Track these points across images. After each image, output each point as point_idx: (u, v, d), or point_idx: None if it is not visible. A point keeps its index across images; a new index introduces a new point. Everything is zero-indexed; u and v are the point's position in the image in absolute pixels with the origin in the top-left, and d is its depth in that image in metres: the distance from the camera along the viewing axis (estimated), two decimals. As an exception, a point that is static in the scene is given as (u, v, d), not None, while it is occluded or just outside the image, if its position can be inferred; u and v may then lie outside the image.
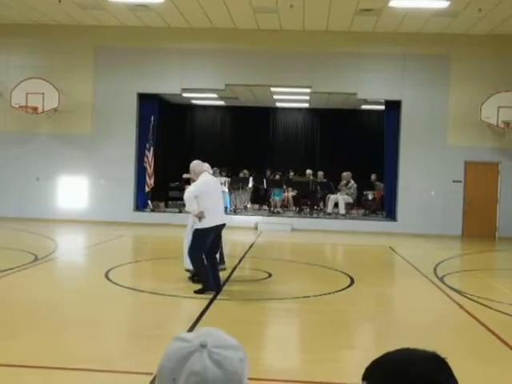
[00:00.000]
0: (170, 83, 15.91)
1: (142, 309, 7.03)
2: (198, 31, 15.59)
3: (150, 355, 4.84)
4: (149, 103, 16.36)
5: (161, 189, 17.18)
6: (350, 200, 17.26)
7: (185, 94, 17.72)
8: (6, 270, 8.36)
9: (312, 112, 22.07)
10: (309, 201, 17.85)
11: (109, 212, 15.80)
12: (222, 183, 16.81)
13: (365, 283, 8.66)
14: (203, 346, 1.06)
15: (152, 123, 16.27)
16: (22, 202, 15.83)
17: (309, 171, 18.47)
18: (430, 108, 15.58)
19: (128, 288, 7.78)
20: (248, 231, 15.28)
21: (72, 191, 16.05)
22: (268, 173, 19.06)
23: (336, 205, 17.15)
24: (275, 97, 19.42)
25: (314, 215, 17.29)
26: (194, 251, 7.34)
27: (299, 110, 22.15)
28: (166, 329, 5.93)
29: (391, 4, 12.62)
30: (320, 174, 18.36)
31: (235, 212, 17.06)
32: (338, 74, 15.76)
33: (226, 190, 17.01)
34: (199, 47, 15.73)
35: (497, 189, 15.65)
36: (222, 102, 21.18)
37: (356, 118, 21.50)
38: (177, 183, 17.80)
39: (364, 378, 1.17)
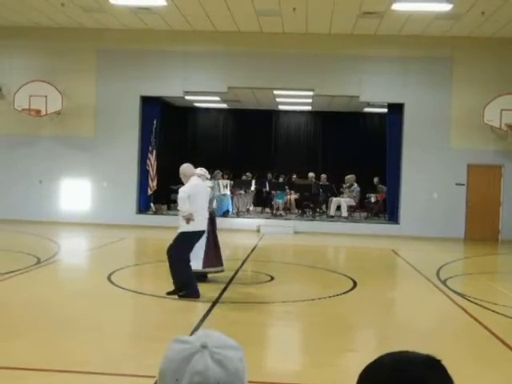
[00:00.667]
0: (172, 86, 15.93)
1: (145, 311, 7.03)
2: (200, 34, 15.61)
3: (152, 358, 4.83)
4: (151, 106, 16.39)
5: (163, 191, 17.18)
6: (353, 203, 17.25)
7: (187, 97, 17.73)
8: (9, 273, 8.37)
9: (314, 115, 22.06)
10: (311, 203, 17.84)
11: (111, 214, 15.81)
12: (224, 186, 16.88)
13: (367, 286, 8.65)
14: (204, 346, 1.08)
15: (154, 126, 16.29)
16: (25, 205, 15.85)
17: (311, 174, 18.46)
18: (433, 111, 15.57)
19: (130, 291, 7.78)
20: (250, 234, 15.28)
21: (75, 194, 16.06)
22: (270, 175, 19.06)
23: (338, 207, 17.14)
24: (278, 99, 19.42)
25: (317, 218, 17.28)
26: (179, 254, 7.20)
27: (302, 112, 22.14)
28: (169, 331, 5.93)
29: (394, 7, 12.62)
30: (322, 176, 18.35)
31: (238, 215, 17.06)
32: (341, 77, 15.76)
33: (228, 192, 17.02)
34: (202, 50, 15.75)
35: (499, 192, 15.62)
36: (224, 105, 21.19)
37: (358, 120, 21.48)
38: (179, 186, 17.76)
39: None
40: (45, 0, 13.33)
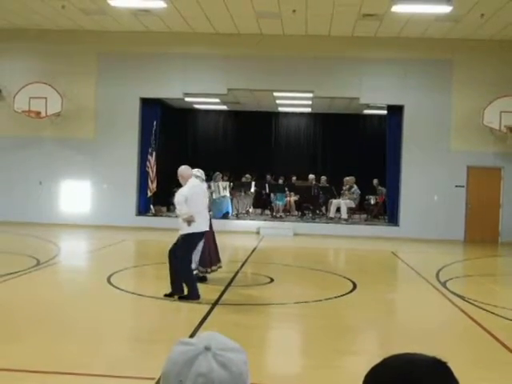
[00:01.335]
0: (172, 88, 15.94)
1: (144, 313, 7.03)
2: (200, 36, 15.63)
3: (152, 360, 4.83)
4: (151, 108, 16.40)
5: (163, 193, 17.17)
6: (353, 205, 17.25)
7: (187, 99, 17.73)
8: (8, 274, 8.36)
9: (314, 117, 22.06)
10: (311, 205, 17.84)
11: (111, 216, 15.81)
12: (223, 188, 16.88)
13: (367, 288, 8.64)
14: (208, 348, 1.08)
15: (154, 128, 16.29)
16: (25, 207, 15.85)
17: (311, 176, 18.47)
18: (433, 113, 15.58)
19: (130, 292, 7.78)
20: (250, 236, 15.27)
21: (74, 195, 16.06)
22: (270, 177, 19.06)
23: (338, 209, 17.14)
24: (277, 101, 19.43)
25: (317, 220, 17.28)
26: (183, 256, 7.23)
27: (301, 114, 22.14)
28: (168, 334, 5.93)
29: (394, 9, 12.63)
30: (322, 178, 18.35)
31: (237, 216, 17.06)
32: (341, 79, 15.77)
33: (228, 194, 17.02)
34: (202, 52, 15.76)
35: (499, 194, 15.63)
36: (224, 107, 21.19)
37: (358, 122, 21.48)
38: (179, 188, 17.76)
39: None
40: (45, 3, 13.35)
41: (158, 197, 16.81)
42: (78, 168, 16.02)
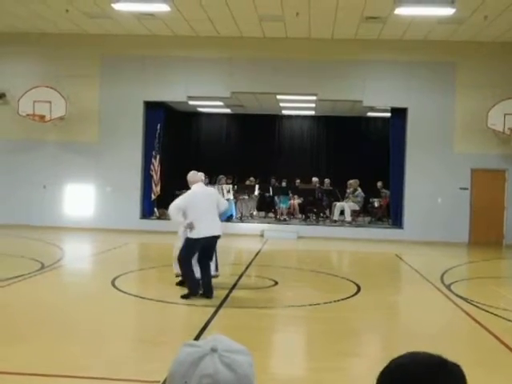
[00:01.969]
0: (176, 91, 15.97)
1: (149, 316, 7.03)
2: (204, 39, 15.66)
3: (155, 363, 4.84)
4: (155, 111, 16.43)
5: (167, 196, 17.16)
6: (356, 207, 17.23)
7: (191, 102, 17.78)
8: (13, 278, 8.38)
9: (318, 119, 22.08)
10: (315, 208, 17.83)
11: (115, 220, 15.83)
12: (227, 191, 16.88)
13: (371, 291, 8.63)
14: (214, 350, 1.08)
15: (158, 131, 16.32)
16: (29, 210, 15.89)
17: (315, 179, 18.47)
18: (436, 115, 15.57)
19: (134, 296, 7.79)
20: (254, 239, 15.27)
21: (78, 199, 16.10)
22: (274, 180, 19.06)
23: (342, 212, 17.12)
24: (281, 104, 19.45)
25: (320, 223, 17.26)
26: (182, 256, 7.55)
27: (305, 117, 22.17)
28: (173, 336, 5.93)
29: (397, 12, 12.62)
30: (326, 181, 18.35)
31: (241, 219, 17.06)
32: (344, 82, 15.77)
33: (231, 197, 17.02)
34: (205, 55, 15.79)
35: (504, 196, 15.59)
36: (227, 110, 21.22)
37: (362, 125, 21.49)
38: (183, 191, 17.78)
39: None
40: (49, 6, 13.40)
41: (161, 200, 16.80)
42: (82, 171, 16.06)
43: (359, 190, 17.37)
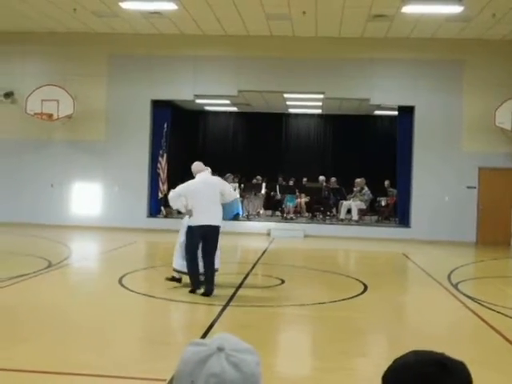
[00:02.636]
0: (183, 90, 15.99)
1: (156, 315, 7.05)
2: (211, 38, 15.67)
3: (163, 361, 4.85)
4: (162, 109, 16.45)
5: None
6: (363, 206, 17.20)
7: (198, 101, 17.80)
8: (20, 276, 8.43)
9: (325, 118, 22.06)
10: (322, 207, 17.81)
11: (122, 218, 15.88)
12: (234, 189, 16.88)
13: (378, 290, 8.62)
14: (221, 349, 1.08)
15: (165, 129, 16.35)
16: (37, 208, 15.96)
17: (322, 177, 18.45)
18: (444, 113, 15.51)
19: (142, 294, 7.81)
20: (261, 237, 15.28)
21: (86, 197, 16.15)
22: (280, 179, 19.05)
23: (349, 211, 17.10)
24: (288, 103, 19.44)
25: (327, 221, 17.25)
26: (187, 247, 7.72)
27: (312, 115, 22.15)
28: (180, 335, 5.95)
29: (404, 10, 12.59)
30: (333, 180, 18.33)
31: (248, 218, 17.07)
32: (351, 80, 15.74)
33: (238, 195, 17.01)
34: (212, 54, 15.81)
35: (511, 195, 15.51)
36: (234, 108, 21.24)
37: (369, 123, 21.45)
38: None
39: None
40: (57, 6, 13.44)
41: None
42: (90, 170, 16.11)
43: (366, 188, 17.33)
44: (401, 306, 8.23)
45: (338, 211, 17.56)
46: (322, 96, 16.49)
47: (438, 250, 13.97)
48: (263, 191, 17.96)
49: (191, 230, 7.60)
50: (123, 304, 7.37)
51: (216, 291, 7.68)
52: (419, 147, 15.66)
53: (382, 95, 15.82)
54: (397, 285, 9.56)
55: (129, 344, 5.71)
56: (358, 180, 17.52)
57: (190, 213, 7.60)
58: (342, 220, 17.03)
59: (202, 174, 7.82)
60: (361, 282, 9.08)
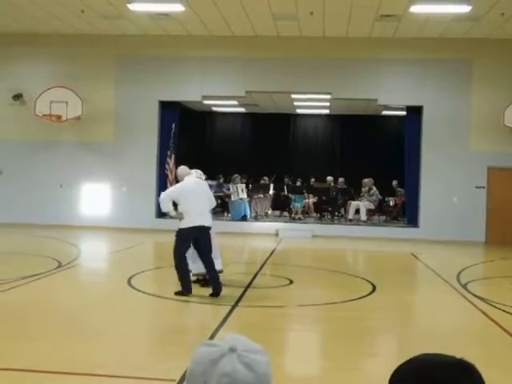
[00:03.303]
0: (190, 91, 16.02)
1: (164, 315, 7.07)
2: (218, 39, 15.70)
3: (172, 362, 4.87)
4: (170, 110, 16.49)
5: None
6: (372, 206, 17.17)
7: (205, 102, 17.83)
8: (31, 276, 8.48)
9: (332, 118, 22.03)
10: (330, 207, 17.79)
11: (130, 219, 15.93)
12: (241, 190, 16.92)
13: (387, 290, 8.61)
14: (233, 349, 1.09)
15: (173, 130, 16.39)
16: (46, 209, 16.05)
17: (329, 178, 18.43)
18: (452, 113, 15.46)
19: (150, 295, 7.83)
20: (269, 238, 15.28)
21: (94, 198, 16.22)
22: (288, 179, 19.04)
23: (357, 211, 17.07)
24: (295, 103, 19.43)
25: (335, 222, 17.23)
26: (175, 249, 7.67)
27: (319, 116, 22.13)
28: (189, 335, 5.97)
29: (412, 9, 12.55)
30: (340, 180, 18.30)
31: (256, 218, 17.08)
32: (359, 80, 15.72)
33: (246, 196, 17.07)
34: (220, 55, 15.83)
35: (521, 194, 15.43)
36: (242, 109, 21.25)
37: (377, 123, 21.40)
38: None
39: None
40: (65, 7, 13.51)
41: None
42: (98, 171, 16.18)
43: (374, 188, 17.30)
44: (410, 306, 8.21)
45: (346, 211, 17.53)
46: (329, 96, 16.48)
47: (446, 249, 13.93)
48: (271, 192, 17.97)
49: (184, 233, 7.59)
50: (132, 304, 7.40)
51: (224, 291, 7.69)
52: (427, 147, 15.61)
53: (390, 95, 15.78)
54: (405, 285, 9.54)
55: (138, 344, 5.73)
56: (365, 180, 17.48)
57: (181, 216, 7.61)
58: (350, 220, 17.01)
59: (192, 177, 7.92)
60: (369, 282, 9.07)
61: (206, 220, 7.70)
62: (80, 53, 16.01)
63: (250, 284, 8.62)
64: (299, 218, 17.31)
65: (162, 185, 16.31)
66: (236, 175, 17.20)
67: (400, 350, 5.82)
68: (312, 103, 19.33)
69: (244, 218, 16.72)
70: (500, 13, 12.84)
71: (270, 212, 18.05)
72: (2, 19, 14.71)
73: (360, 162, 20.16)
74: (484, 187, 15.44)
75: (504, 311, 7.25)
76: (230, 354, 1.09)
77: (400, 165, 16.80)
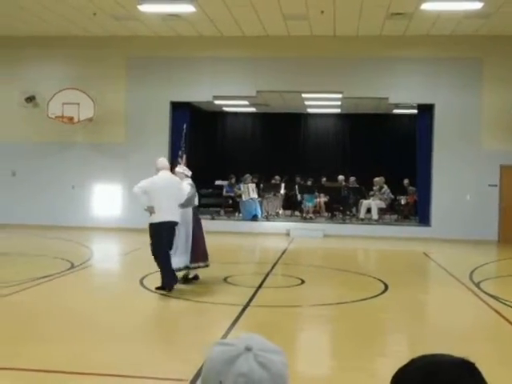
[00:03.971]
0: (201, 91, 16.06)
1: (176, 315, 7.11)
2: (229, 39, 15.72)
3: (185, 362, 4.90)
4: (181, 111, 16.52)
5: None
6: (383, 205, 17.12)
7: (216, 102, 17.86)
8: (44, 277, 8.55)
9: (343, 117, 21.99)
10: (341, 206, 17.76)
11: (142, 220, 15.91)
12: (252, 190, 16.94)
13: (399, 289, 8.58)
14: (249, 349, 1.08)
15: (184, 131, 16.39)
16: (58, 210, 16.15)
17: (341, 177, 18.39)
18: (464, 111, 15.36)
19: (163, 295, 7.87)
20: (280, 237, 15.28)
21: (106, 199, 16.30)
22: (299, 179, 19.03)
23: (369, 210, 17.02)
24: (306, 103, 19.41)
25: (347, 221, 17.20)
26: (152, 244, 7.86)
27: (330, 115, 22.10)
28: (201, 335, 5.99)
29: (423, 7, 12.50)
30: (352, 179, 18.26)
31: (267, 218, 17.10)
32: (370, 79, 15.67)
33: (256, 196, 17.09)
34: (230, 55, 15.85)
35: (534, 192, 15.30)
36: (253, 109, 21.26)
37: (388, 122, 21.34)
38: (209, 190, 17.92)
39: None
40: (77, 10, 13.59)
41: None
42: (110, 172, 16.26)
43: (385, 187, 17.24)
44: (422, 306, 8.19)
45: (357, 210, 17.49)
46: (340, 95, 16.45)
47: (459, 248, 13.86)
48: (282, 191, 17.97)
49: (156, 227, 7.75)
50: (145, 305, 7.44)
51: (236, 291, 7.71)
52: (439, 145, 15.53)
53: (401, 94, 15.72)
54: (418, 284, 9.51)
55: (151, 344, 5.76)
56: (376, 179, 17.43)
57: (151, 209, 7.78)
58: (361, 219, 16.97)
59: (165, 172, 8.13)
60: (381, 281, 9.05)
61: (174, 216, 7.87)
62: (91, 55, 16.10)
63: (261, 284, 8.63)
64: (310, 218, 17.30)
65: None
66: (247, 175, 17.22)
67: (411, 349, 5.81)
68: (323, 102, 19.31)
69: (255, 218, 16.73)
70: (511, 10, 12.74)
71: (281, 212, 18.05)
72: (15, 23, 14.83)
73: (371, 161, 20.10)
74: (496, 185, 15.33)
75: (517, 310, 7.20)
76: (246, 353, 1.08)
77: (411, 163, 16.73)
